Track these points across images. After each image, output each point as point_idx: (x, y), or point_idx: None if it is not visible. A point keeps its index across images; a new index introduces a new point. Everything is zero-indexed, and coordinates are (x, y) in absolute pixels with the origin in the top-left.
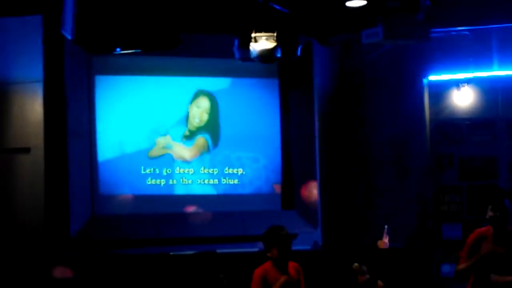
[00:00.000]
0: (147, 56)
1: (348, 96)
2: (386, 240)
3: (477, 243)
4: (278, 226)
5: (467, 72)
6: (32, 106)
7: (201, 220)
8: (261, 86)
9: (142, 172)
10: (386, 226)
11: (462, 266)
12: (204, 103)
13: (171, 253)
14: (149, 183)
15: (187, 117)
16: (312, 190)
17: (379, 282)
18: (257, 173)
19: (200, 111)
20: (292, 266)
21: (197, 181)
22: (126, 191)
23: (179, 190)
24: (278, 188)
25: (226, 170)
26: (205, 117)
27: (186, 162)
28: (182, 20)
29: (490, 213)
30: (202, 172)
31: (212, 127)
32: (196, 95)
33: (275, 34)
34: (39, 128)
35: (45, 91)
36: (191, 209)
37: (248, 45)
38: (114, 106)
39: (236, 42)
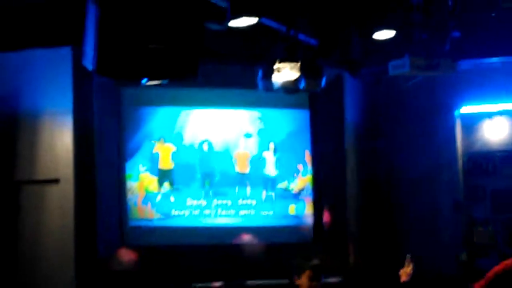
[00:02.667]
0: (174, 88)
1: (380, 128)
2: (408, 269)
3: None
4: (308, 255)
5: (500, 103)
6: (61, 137)
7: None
8: (291, 117)
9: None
10: (408, 255)
11: None
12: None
13: (198, 285)
14: (181, 214)
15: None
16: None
17: None
18: (288, 204)
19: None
20: None
21: (230, 212)
22: (155, 223)
23: (210, 221)
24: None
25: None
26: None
27: (223, 194)
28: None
29: None
30: (240, 203)
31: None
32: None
33: (298, 65)
34: (68, 159)
35: (74, 122)
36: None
37: (271, 76)
38: (143, 137)
39: (259, 73)
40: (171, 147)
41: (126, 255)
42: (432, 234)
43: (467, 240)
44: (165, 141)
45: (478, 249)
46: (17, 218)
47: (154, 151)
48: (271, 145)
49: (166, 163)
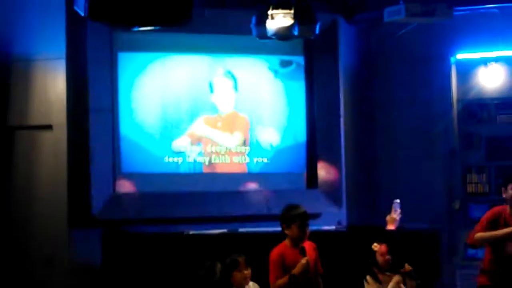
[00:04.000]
0: (170, 33)
1: (374, 74)
2: (395, 215)
3: (494, 220)
4: (296, 204)
5: (496, 50)
6: (55, 83)
7: (226, 198)
8: None
9: (165, 150)
10: (397, 200)
11: (481, 234)
12: (227, 82)
13: (191, 232)
14: (173, 161)
15: (211, 95)
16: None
17: (406, 265)
18: (283, 151)
19: (225, 89)
20: (309, 245)
21: (225, 159)
22: (148, 169)
23: (205, 168)
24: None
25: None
26: (232, 96)
27: (216, 141)
28: None
29: (510, 192)
30: (233, 151)
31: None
32: (220, 73)
33: (292, 12)
34: (61, 105)
35: (67, 68)
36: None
37: (265, 22)
38: (136, 83)
39: (253, 19)
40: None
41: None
42: (427, 182)
43: (461, 188)
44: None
45: (472, 196)
46: (10, 163)
47: None
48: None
49: None
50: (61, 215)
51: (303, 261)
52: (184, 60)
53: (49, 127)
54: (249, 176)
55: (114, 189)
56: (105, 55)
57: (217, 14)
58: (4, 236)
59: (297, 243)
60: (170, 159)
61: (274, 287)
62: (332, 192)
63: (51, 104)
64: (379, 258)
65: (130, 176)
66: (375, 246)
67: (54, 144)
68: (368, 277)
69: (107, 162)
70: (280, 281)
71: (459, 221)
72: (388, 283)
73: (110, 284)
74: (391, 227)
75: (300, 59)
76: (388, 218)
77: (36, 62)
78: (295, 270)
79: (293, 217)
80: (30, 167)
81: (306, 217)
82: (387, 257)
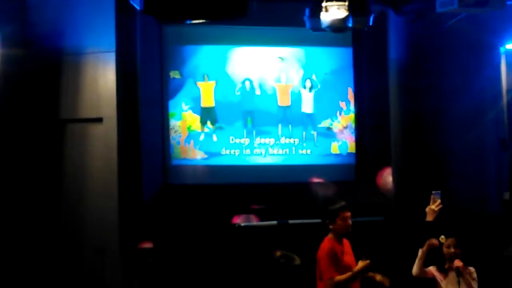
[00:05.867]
0: (219, 26)
1: (423, 65)
2: (434, 206)
3: None
4: (334, 197)
5: None
6: (105, 76)
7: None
8: (335, 55)
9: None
10: (436, 192)
11: None
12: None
13: (243, 224)
14: (223, 153)
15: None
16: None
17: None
18: (330, 144)
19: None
20: (345, 240)
21: (272, 151)
22: (198, 161)
23: (253, 160)
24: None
25: (300, 141)
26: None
27: (266, 132)
28: None
29: None
30: (282, 142)
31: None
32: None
33: (346, 3)
34: (111, 98)
35: (117, 61)
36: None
37: (319, 15)
38: (186, 76)
39: (306, 12)
40: (212, 83)
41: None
42: (477, 173)
43: (510, 178)
44: (208, 79)
45: None
46: (61, 156)
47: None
48: (308, 83)
49: (208, 100)
50: (113, 206)
51: (365, 262)
52: (235, 52)
53: (99, 120)
54: (298, 167)
55: (165, 180)
56: (155, 48)
57: (270, 7)
58: (57, 227)
59: (341, 236)
60: (227, 151)
61: (331, 282)
62: (382, 186)
63: (101, 97)
64: (445, 250)
65: (180, 167)
66: (442, 239)
67: (105, 136)
68: (432, 268)
69: (157, 154)
70: (341, 277)
71: (509, 212)
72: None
73: (162, 273)
74: (430, 218)
75: (349, 50)
76: (427, 209)
77: (86, 55)
78: (357, 268)
79: (336, 211)
80: (82, 160)
81: (348, 209)
82: (455, 250)
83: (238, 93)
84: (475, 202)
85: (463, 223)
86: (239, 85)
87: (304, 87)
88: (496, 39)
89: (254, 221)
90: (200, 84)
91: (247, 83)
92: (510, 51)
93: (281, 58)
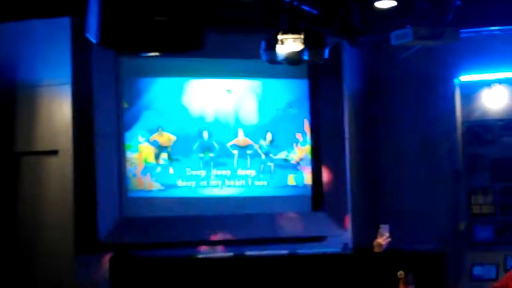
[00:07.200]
0: (175, 58)
1: (378, 96)
2: (380, 240)
3: None
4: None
5: (499, 72)
6: (60, 109)
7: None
8: (290, 87)
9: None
10: (384, 225)
11: None
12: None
13: (199, 256)
14: (180, 184)
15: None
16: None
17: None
18: (287, 174)
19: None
20: None
21: (228, 183)
22: (154, 193)
23: (209, 192)
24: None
25: (257, 172)
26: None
27: (222, 164)
28: (206, 21)
29: None
30: (238, 174)
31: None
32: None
33: (302, 36)
34: (67, 130)
35: (73, 93)
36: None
37: (275, 47)
38: (142, 108)
39: (262, 44)
40: (170, 137)
41: None
42: (432, 203)
43: (466, 209)
44: (163, 130)
45: (477, 218)
46: (16, 189)
47: (151, 139)
48: (268, 136)
49: (166, 142)
50: (68, 240)
51: None
52: (192, 84)
53: (55, 152)
54: (255, 199)
55: (120, 213)
56: (111, 79)
57: (225, 39)
58: (11, 261)
59: None
60: (184, 183)
61: None
62: (337, 215)
63: (56, 130)
64: (402, 287)
65: (136, 200)
66: (401, 274)
67: (60, 169)
68: None
69: (113, 186)
70: None
71: (465, 243)
72: None
73: None
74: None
75: (305, 82)
76: (374, 242)
77: (41, 87)
78: None
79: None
80: (37, 192)
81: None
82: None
83: (195, 126)
84: (431, 232)
85: (419, 258)
86: (195, 118)
87: (265, 139)
88: (450, 71)
89: (211, 253)
90: (156, 136)
91: (204, 115)
92: (464, 83)
93: (229, 91)
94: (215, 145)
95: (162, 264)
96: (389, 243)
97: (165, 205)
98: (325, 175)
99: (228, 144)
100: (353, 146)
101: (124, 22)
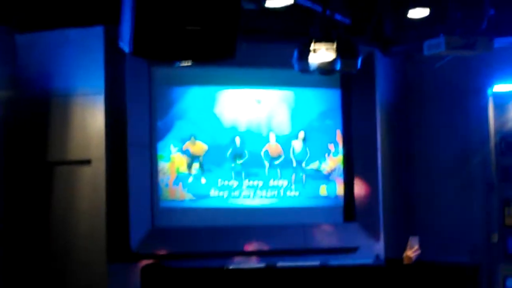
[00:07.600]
0: (208, 68)
1: (411, 107)
2: (410, 253)
3: None
4: None
5: None
6: (93, 118)
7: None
8: (323, 97)
9: (203, 183)
10: (413, 237)
11: None
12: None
13: (230, 267)
14: (212, 195)
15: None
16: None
17: None
18: (319, 184)
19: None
20: None
21: (260, 193)
22: (186, 204)
23: (240, 202)
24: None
25: (288, 183)
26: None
27: (254, 175)
28: (239, 31)
29: None
30: (270, 184)
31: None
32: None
33: (335, 46)
34: (100, 140)
35: (106, 102)
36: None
37: (307, 57)
38: (175, 117)
39: (295, 54)
40: (203, 146)
41: None
42: (464, 214)
43: (498, 220)
44: (195, 139)
45: (510, 229)
46: (49, 199)
47: (184, 148)
48: (301, 134)
49: (198, 151)
50: (100, 249)
51: None
52: (224, 94)
53: (88, 162)
54: (287, 210)
55: (153, 223)
56: (144, 89)
57: (258, 48)
58: (44, 270)
59: None
60: (216, 193)
61: None
62: (369, 226)
63: (89, 139)
64: None
65: (168, 210)
66: None
67: (93, 178)
68: None
69: (145, 196)
70: None
71: (498, 254)
72: None
73: None
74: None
75: (337, 92)
76: (404, 255)
77: (75, 97)
78: None
79: None
80: (69, 202)
81: None
82: None
83: (227, 136)
84: (464, 244)
85: (452, 271)
86: (228, 127)
87: (297, 138)
88: (483, 81)
89: (243, 264)
90: (188, 145)
91: (236, 124)
92: (497, 93)
93: (258, 101)
94: (247, 154)
95: (194, 275)
96: (419, 255)
97: (197, 216)
98: (358, 186)
99: (262, 152)
100: (386, 156)
101: (157, 31)
